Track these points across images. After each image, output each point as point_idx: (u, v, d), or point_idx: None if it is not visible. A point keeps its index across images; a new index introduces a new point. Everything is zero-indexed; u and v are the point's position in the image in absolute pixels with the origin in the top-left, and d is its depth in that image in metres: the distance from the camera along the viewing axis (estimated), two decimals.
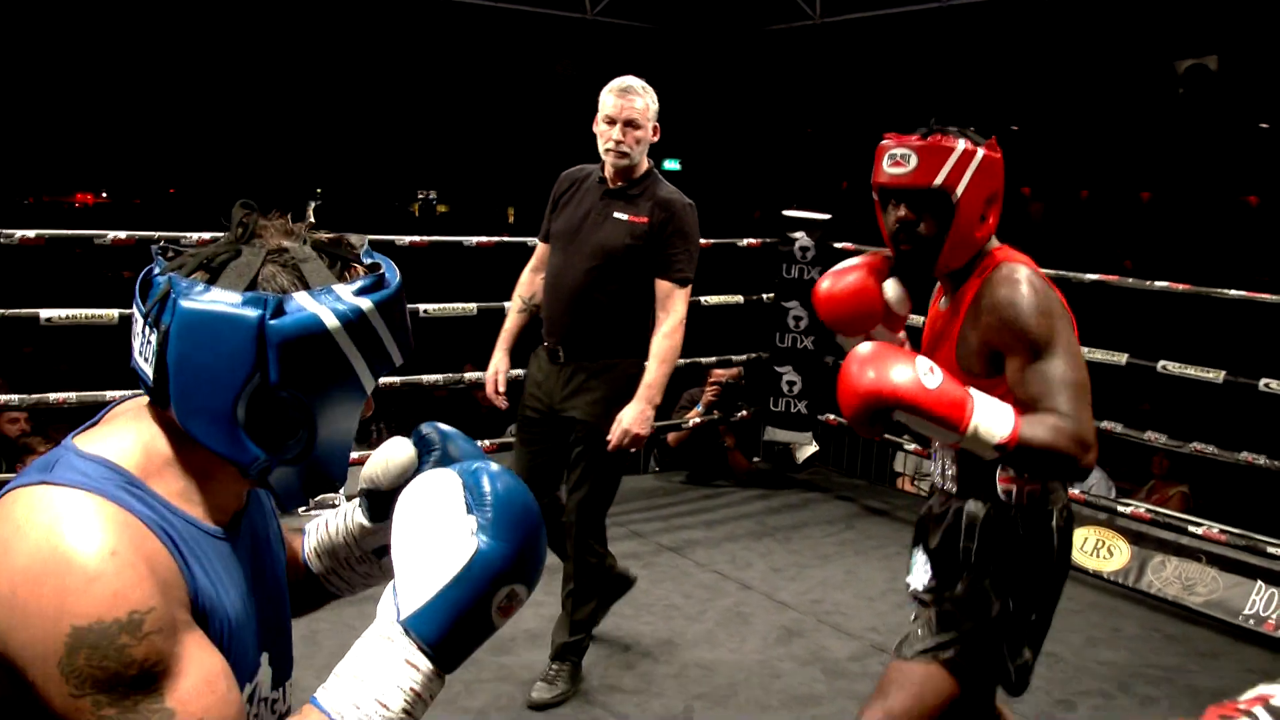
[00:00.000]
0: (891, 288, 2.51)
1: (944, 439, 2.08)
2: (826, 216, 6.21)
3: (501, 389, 3.75)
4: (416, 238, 5.31)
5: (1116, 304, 6.32)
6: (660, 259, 3.46)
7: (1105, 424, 5.06)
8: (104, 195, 28.66)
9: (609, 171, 3.54)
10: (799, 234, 6.17)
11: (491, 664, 3.82)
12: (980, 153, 2.24)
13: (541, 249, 3.79)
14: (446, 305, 5.32)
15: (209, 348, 1.15)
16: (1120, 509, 4.96)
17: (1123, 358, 4.85)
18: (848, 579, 4.82)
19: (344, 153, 23.32)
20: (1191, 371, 4.67)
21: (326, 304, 1.20)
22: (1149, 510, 4.89)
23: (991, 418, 2.03)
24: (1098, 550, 4.95)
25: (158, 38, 16.30)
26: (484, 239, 5.46)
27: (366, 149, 23.17)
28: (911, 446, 6.00)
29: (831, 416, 6.28)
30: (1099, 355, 4.93)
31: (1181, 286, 4.84)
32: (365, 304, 1.23)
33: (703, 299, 6.10)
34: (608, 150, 3.48)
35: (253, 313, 1.16)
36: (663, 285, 3.47)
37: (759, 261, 6.40)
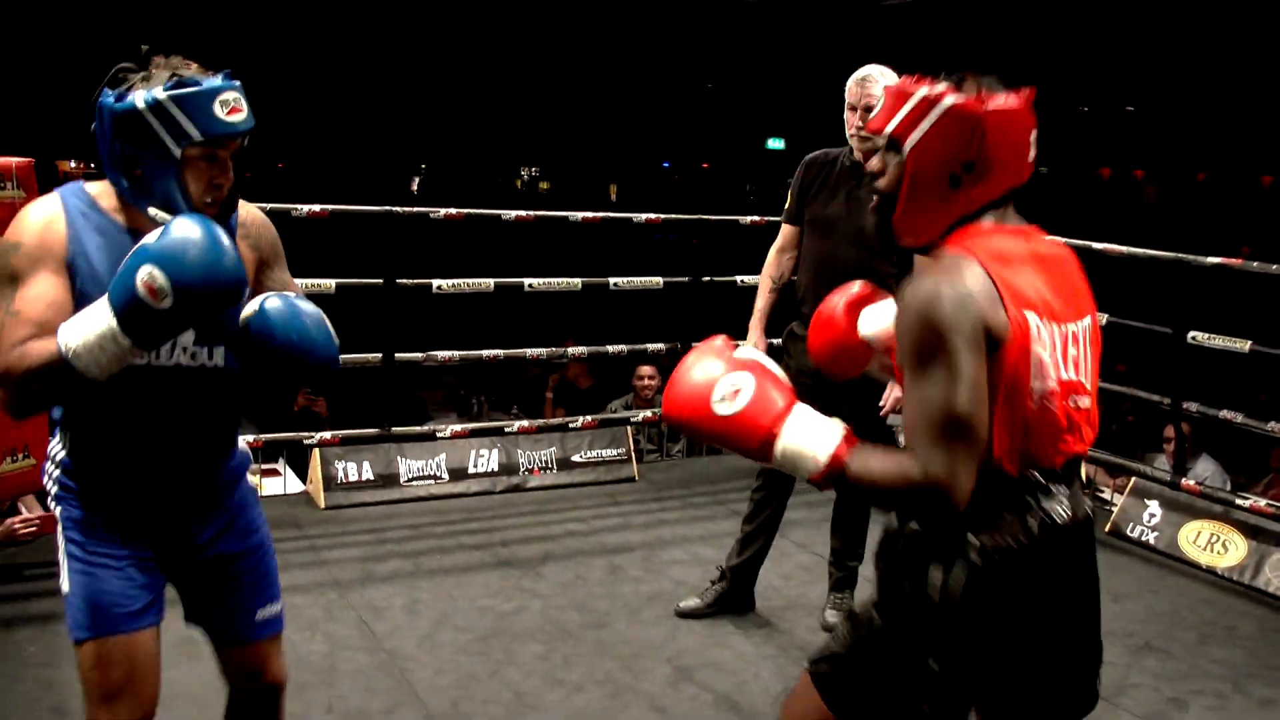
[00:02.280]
0: (867, 322, 2.21)
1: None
2: None
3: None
4: (522, 212, 5.32)
5: (1238, 290, 6.11)
6: None
7: (1225, 413, 4.90)
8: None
9: (861, 156, 3.68)
10: None
11: (590, 638, 3.82)
12: (944, 101, 1.80)
13: (788, 231, 3.96)
14: (551, 280, 5.32)
15: (100, 123, 2.02)
16: (1238, 502, 4.79)
17: (1245, 345, 4.68)
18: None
19: (448, 129, 23.53)
20: None
21: (140, 95, 1.95)
22: (1269, 504, 4.70)
23: (806, 441, 1.77)
24: (1211, 545, 4.79)
25: (268, 14, 16.57)
26: (589, 214, 5.45)
27: (470, 125, 23.36)
28: None
29: None
30: (1219, 342, 4.76)
31: None
32: (162, 95, 1.94)
33: None
34: (852, 136, 3.70)
35: (105, 101, 1.99)
36: (922, 261, 3.52)
37: None
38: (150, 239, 1.86)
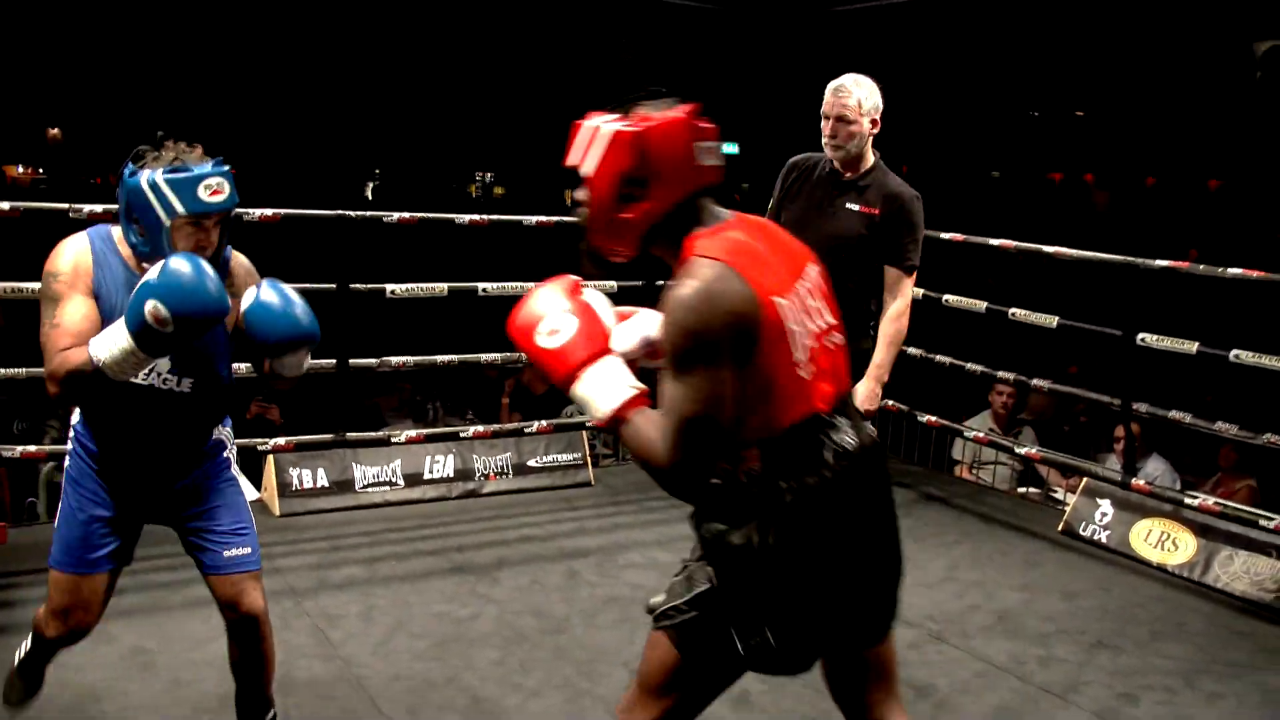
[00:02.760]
0: (619, 339, 2.22)
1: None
2: None
3: None
4: (476, 216, 5.30)
5: (1185, 292, 6.19)
6: (890, 248, 3.80)
7: (1174, 414, 4.96)
8: None
9: (838, 164, 3.88)
10: None
11: (547, 643, 3.81)
12: (608, 129, 2.03)
13: None
14: (505, 284, 5.31)
15: (119, 188, 2.53)
16: (1187, 501, 4.85)
17: (1193, 346, 4.74)
18: (905, 566, 4.75)
19: (401, 135, 23.43)
20: (1267, 361, 4.54)
21: (143, 175, 2.48)
22: (1217, 503, 4.77)
23: (598, 391, 2.03)
24: (1162, 543, 4.85)
25: (220, 24, 16.42)
26: (544, 218, 5.44)
27: (424, 131, 23.26)
28: (971, 434, 5.92)
29: (891, 403, 6.20)
30: (1168, 344, 4.82)
31: (1256, 273, 4.72)
32: (160, 178, 2.46)
33: None
34: (825, 144, 3.87)
35: (124, 172, 2.52)
36: (892, 273, 3.80)
37: None
38: (151, 274, 2.38)
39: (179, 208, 2.46)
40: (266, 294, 2.66)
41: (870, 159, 3.87)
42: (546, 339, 2.08)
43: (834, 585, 2.07)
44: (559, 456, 5.70)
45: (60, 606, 2.76)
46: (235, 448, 2.95)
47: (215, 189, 2.49)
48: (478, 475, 5.49)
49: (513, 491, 5.51)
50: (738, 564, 2.05)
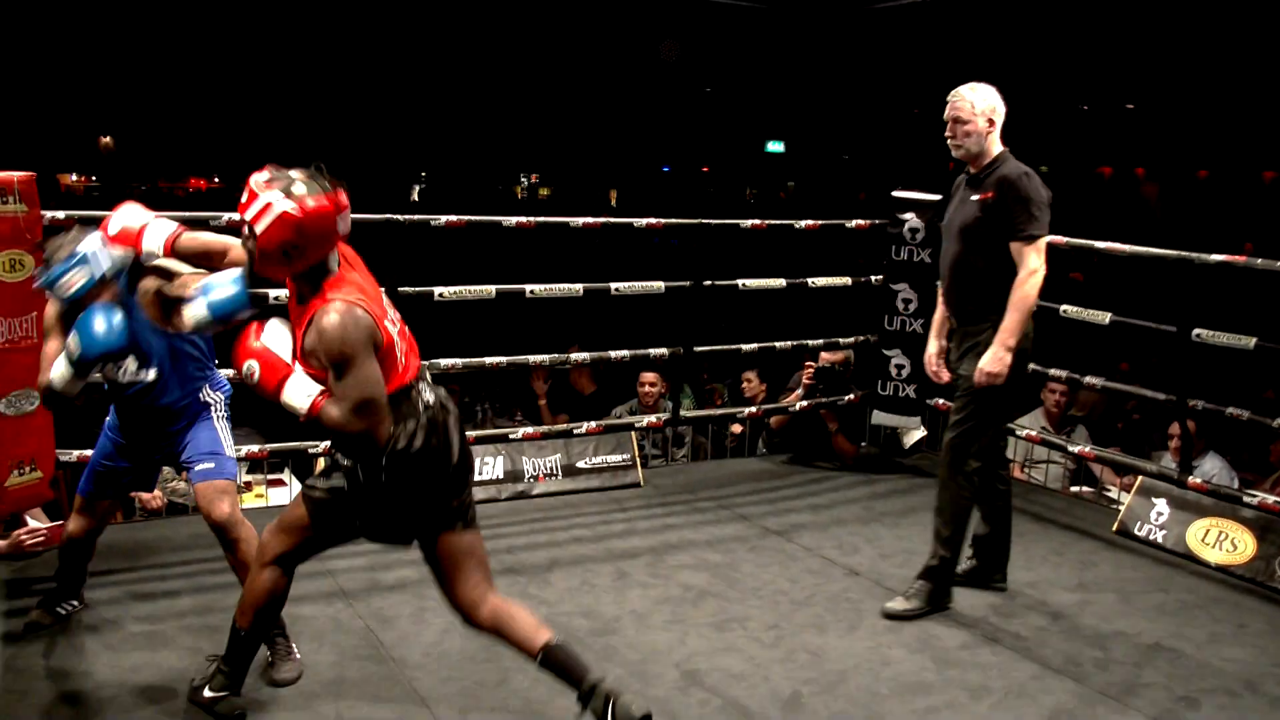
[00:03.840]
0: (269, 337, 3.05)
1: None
2: (938, 197, 6.07)
3: (935, 367, 4.44)
4: (523, 219, 5.31)
5: (1243, 287, 6.09)
6: (1007, 225, 4.00)
7: (1231, 410, 4.89)
8: (216, 180, 29.35)
9: (967, 163, 4.18)
10: (909, 215, 6.05)
11: (598, 644, 3.82)
12: (279, 207, 2.78)
13: None
14: (553, 286, 5.31)
15: None
16: (1245, 499, 4.78)
17: (1251, 341, 4.67)
18: (1028, 560, 4.71)
19: (448, 137, 23.54)
20: None
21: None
22: (1277, 502, 4.69)
23: (295, 398, 2.89)
24: (1220, 542, 4.78)
25: (270, 30, 16.58)
26: (590, 220, 5.44)
27: (470, 133, 23.36)
28: (1023, 433, 5.86)
29: (940, 401, 6.15)
30: (1224, 339, 4.75)
31: None
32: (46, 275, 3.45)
33: (810, 281, 6.04)
34: (949, 145, 4.16)
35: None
36: (1013, 246, 4.00)
37: (867, 243, 6.29)
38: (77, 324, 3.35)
39: (61, 299, 3.46)
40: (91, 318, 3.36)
41: (993, 153, 4.11)
42: (250, 379, 2.94)
43: (422, 491, 3.03)
44: (608, 458, 5.70)
45: (76, 510, 3.82)
46: (225, 404, 3.77)
47: (73, 282, 3.36)
48: (527, 477, 5.51)
49: (562, 493, 5.52)
50: (355, 482, 3.01)
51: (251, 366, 2.93)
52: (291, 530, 3.14)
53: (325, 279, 2.91)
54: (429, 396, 3.04)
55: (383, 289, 3.11)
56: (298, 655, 3.61)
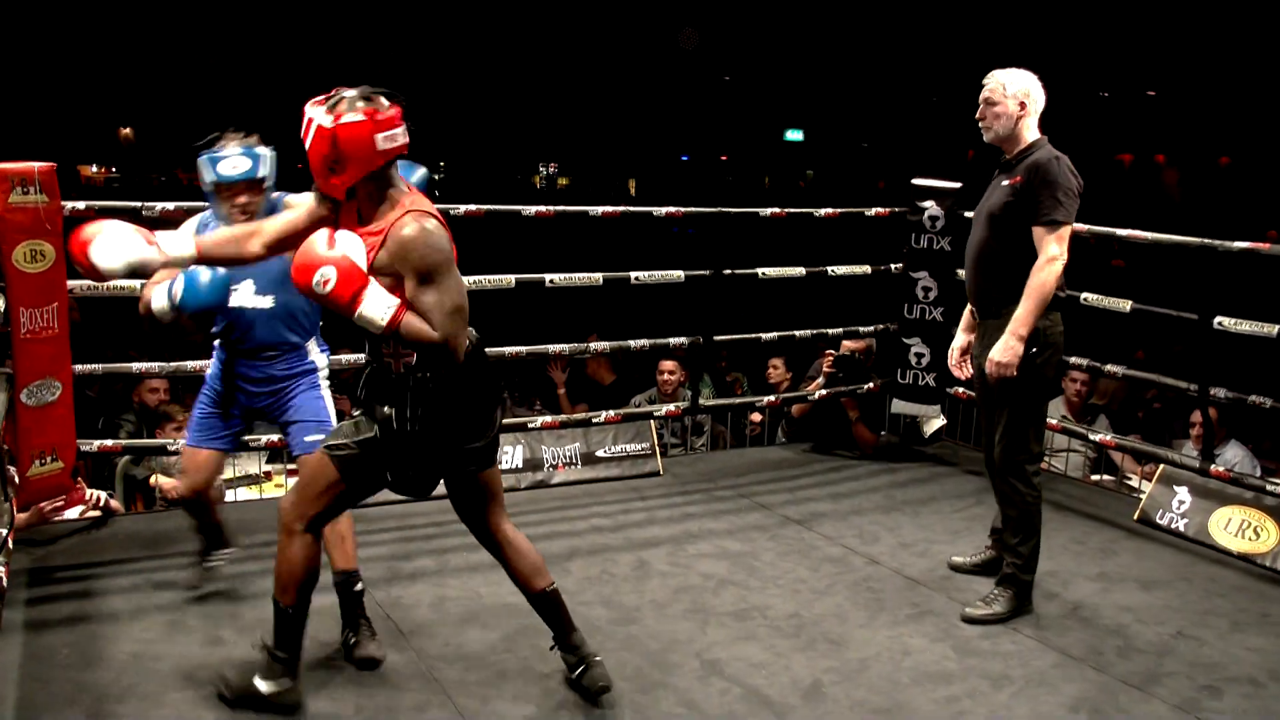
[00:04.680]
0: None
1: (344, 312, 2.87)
2: (958, 185, 6.04)
3: (955, 361, 4.37)
4: (542, 208, 5.30)
5: (1266, 274, 6.03)
6: (1031, 209, 3.88)
7: (1253, 398, 4.85)
8: None
9: (1000, 148, 4.06)
10: (929, 203, 6.02)
11: (618, 634, 3.82)
12: (315, 124, 2.84)
13: None
14: (572, 275, 5.30)
15: None
16: (1268, 488, 4.74)
17: (1274, 329, 4.63)
18: (1049, 550, 4.70)
19: (465, 127, 23.55)
20: None
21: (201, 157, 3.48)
22: None
23: (374, 310, 2.84)
24: (1243, 531, 4.75)
25: (288, 21, 16.59)
26: (609, 209, 5.42)
27: (488, 123, 23.35)
28: (1097, 436, 5.82)
29: (960, 390, 6.13)
30: (1246, 327, 4.71)
31: None
32: (202, 158, 3.45)
33: (830, 269, 6.02)
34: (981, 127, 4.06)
35: None
36: (1035, 231, 3.88)
37: (887, 231, 6.27)
38: (186, 273, 3.37)
39: (207, 178, 3.36)
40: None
41: (1026, 139, 3.98)
42: (323, 288, 2.82)
43: (458, 435, 3.08)
44: (627, 447, 5.70)
45: (181, 469, 3.98)
46: (328, 370, 3.83)
47: (235, 164, 3.37)
48: (546, 466, 5.51)
49: (581, 482, 5.52)
50: (390, 428, 3.02)
51: (327, 274, 2.81)
52: (318, 494, 3.11)
53: (390, 196, 2.94)
54: (472, 332, 3.10)
55: None
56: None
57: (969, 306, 4.31)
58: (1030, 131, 4.00)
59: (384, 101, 2.88)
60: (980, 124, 4.04)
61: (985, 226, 4.06)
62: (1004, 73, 4.01)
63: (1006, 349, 3.86)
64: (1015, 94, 3.96)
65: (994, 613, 4.02)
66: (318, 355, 3.80)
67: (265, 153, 3.53)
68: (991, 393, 4.05)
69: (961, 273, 5.99)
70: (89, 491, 4.69)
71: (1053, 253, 3.84)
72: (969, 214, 5.93)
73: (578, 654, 3.35)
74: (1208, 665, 3.72)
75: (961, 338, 4.36)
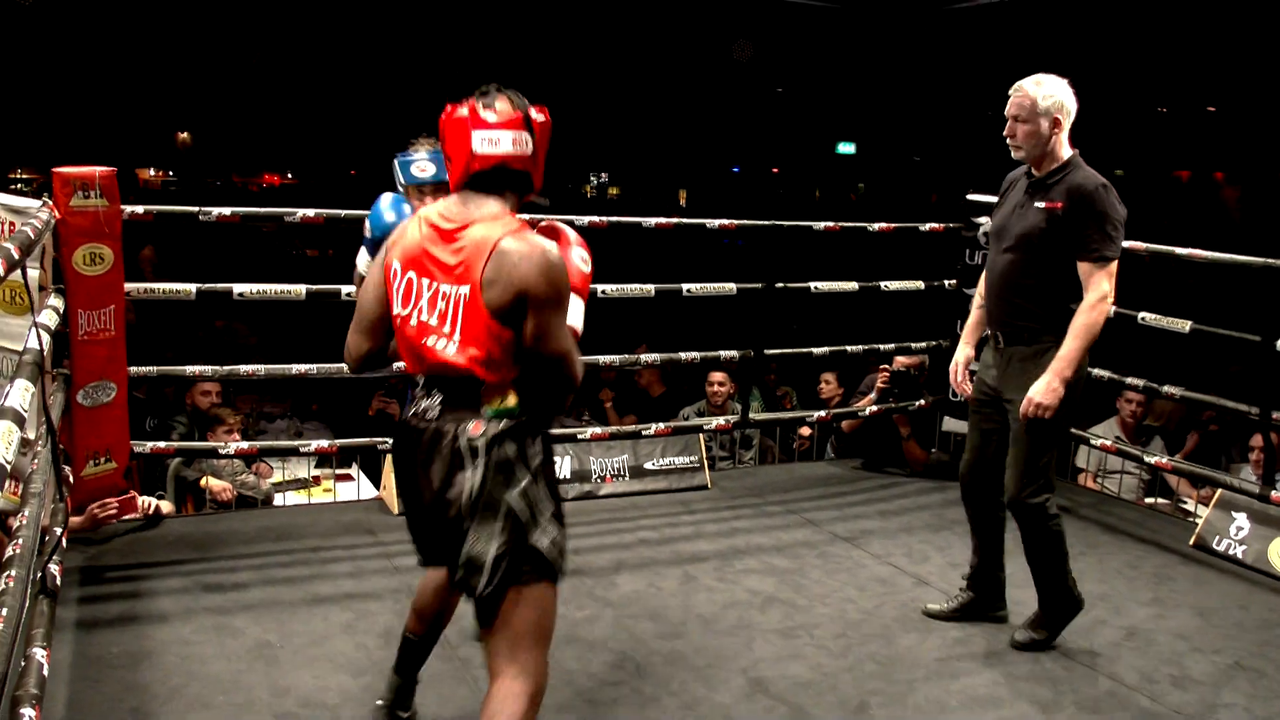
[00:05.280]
0: None
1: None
2: None
3: (960, 378, 4.15)
4: (596, 218, 5.30)
5: None
6: (1077, 240, 3.65)
7: None
8: (290, 176, 29.74)
9: (1030, 165, 3.81)
10: (984, 219, 5.95)
11: (664, 648, 3.79)
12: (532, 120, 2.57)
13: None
14: (625, 286, 5.29)
15: None
16: None
17: None
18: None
19: None
20: None
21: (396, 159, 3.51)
22: None
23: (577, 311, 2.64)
24: None
25: (341, 30, 16.75)
26: (663, 220, 5.42)
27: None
28: (1097, 442, 5.75)
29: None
30: None
31: None
32: (396, 160, 3.50)
33: (883, 284, 5.97)
34: (1009, 144, 3.80)
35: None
36: (1082, 266, 3.66)
37: (941, 246, 6.21)
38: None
39: (401, 179, 3.46)
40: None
41: (1062, 157, 3.73)
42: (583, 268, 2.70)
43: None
44: (675, 460, 5.68)
45: None
46: None
47: (423, 168, 3.46)
48: (594, 477, 5.50)
49: (629, 494, 5.51)
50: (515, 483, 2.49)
51: (585, 256, 2.70)
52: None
53: (487, 205, 2.54)
54: None
55: None
56: None
57: (974, 320, 4.15)
58: (1064, 148, 3.76)
59: (502, 102, 2.59)
60: (1009, 142, 3.78)
61: (1017, 250, 3.79)
62: (1033, 84, 3.73)
63: (1050, 390, 3.63)
64: (1046, 110, 3.70)
65: (1026, 639, 3.95)
66: None
67: None
68: (1006, 421, 3.87)
69: None
70: (140, 500, 4.73)
71: (1104, 290, 3.63)
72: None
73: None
74: (1266, 697, 3.63)
75: (964, 351, 4.16)
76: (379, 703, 3.17)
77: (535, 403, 2.53)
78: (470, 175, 2.52)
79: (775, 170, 29.56)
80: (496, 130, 2.51)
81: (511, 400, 2.49)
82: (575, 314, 2.61)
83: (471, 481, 2.44)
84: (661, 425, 5.57)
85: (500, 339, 2.44)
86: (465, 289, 2.43)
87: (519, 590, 2.46)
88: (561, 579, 2.57)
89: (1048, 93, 3.71)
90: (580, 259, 2.70)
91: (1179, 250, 5.21)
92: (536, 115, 2.57)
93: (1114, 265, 3.66)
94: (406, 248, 2.55)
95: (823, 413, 6.26)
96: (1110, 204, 3.65)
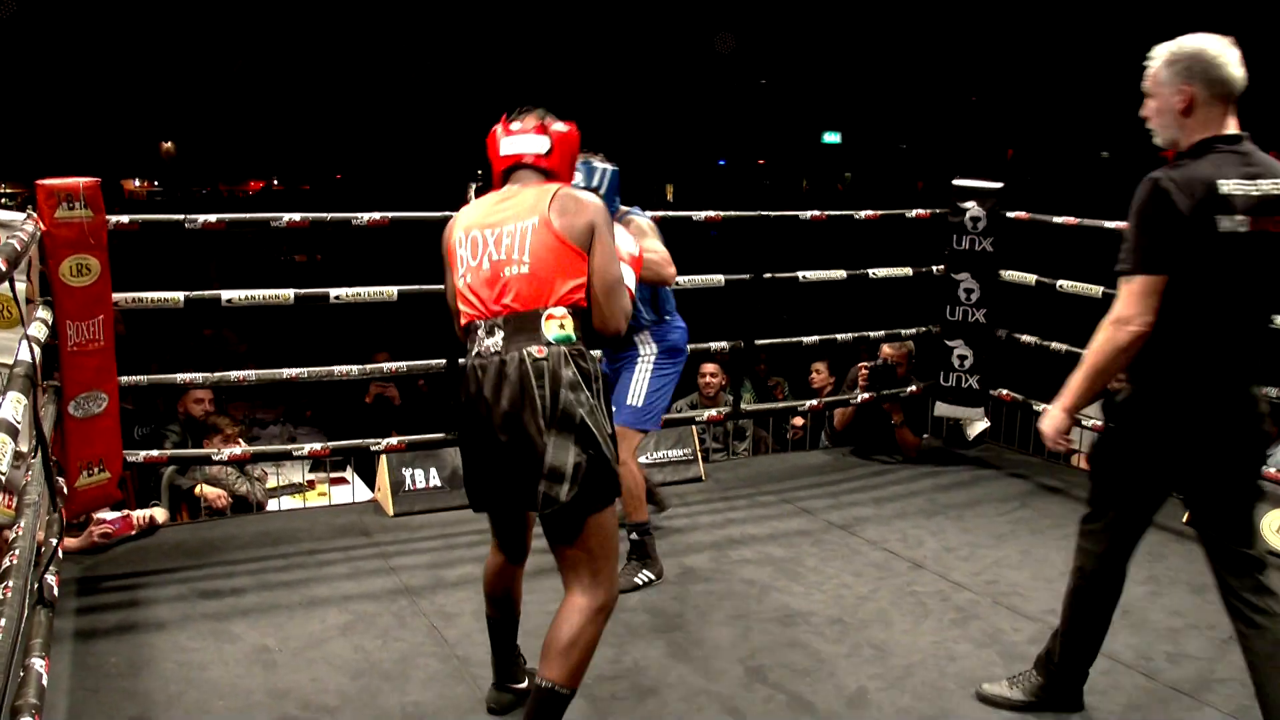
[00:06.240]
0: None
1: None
2: (999, 185, 5.99)
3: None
4: None
5: None
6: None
7: None
8: (275, 182, 29.72)
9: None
10: (970, 204, 5.97)
11: (662, 640, 3.80)
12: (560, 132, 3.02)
13: None
14: None
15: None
16: None
17: None
18: (1024, 559, 4.66)
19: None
20: None
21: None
22: None
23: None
24: None
25: (326, 37, 16.72)
26: (652, 214, 5.40)
27: None
28: (1090, 423, 5.77)
29: (1005, 392, 6.08)
30: None
31: None
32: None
33: (871, 272, 5.99)
34: None
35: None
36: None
37: (928, 233, 6.23)
38: None
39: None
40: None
41: (1188, 142, 2.90)
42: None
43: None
44: (669, 452, 5.69)
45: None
46: (660, 356, 4.32)
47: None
48: None
49: None
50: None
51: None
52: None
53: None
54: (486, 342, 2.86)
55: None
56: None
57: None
58: (1199, 128, 2.89)
59: (529, 117, 3.05)
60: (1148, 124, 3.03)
61: None
62: (1166, 50, 2.93)
63: (1049, 418, 3.12)
64: (1170, 79, 2.89)
65: (1011, 697, 3.41)
66: (646, 345, 4.35)
67: (600, 166, 4.09)
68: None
69: (1005, 274, 5.97)
70: (135, 516, 4.74)
71: (1118, 311, 2.91)
72: (1011, 214, 5.93)
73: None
74: None
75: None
76: (492, 683, 3.37)
77: (589, 334, 2.88)
78: (502, 170, 3.02)
79: (761, 162, 29.60)
80: (517, 136, 2.99)
81: (570, 327, 2.80)
82: (628, 274, 3.05)
83: (544, 397, 2.73)
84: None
85: (565, 259, 2.82)
86: (534, 219, 2.84)
87: (595, 508, 2.79)
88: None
89: (1171, 61, 2.90)
90: (623, 242, 3.15)
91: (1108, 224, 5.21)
92: (557, 126, 3.00)
93: (1140, 281, 2.85)
94: (469, 220, 2.97)
95: (814, 402, 6.27)
96: (1142, 200, 2.85)
